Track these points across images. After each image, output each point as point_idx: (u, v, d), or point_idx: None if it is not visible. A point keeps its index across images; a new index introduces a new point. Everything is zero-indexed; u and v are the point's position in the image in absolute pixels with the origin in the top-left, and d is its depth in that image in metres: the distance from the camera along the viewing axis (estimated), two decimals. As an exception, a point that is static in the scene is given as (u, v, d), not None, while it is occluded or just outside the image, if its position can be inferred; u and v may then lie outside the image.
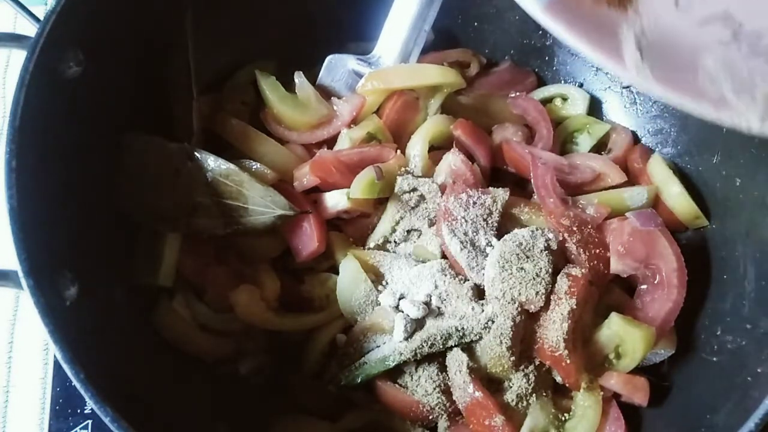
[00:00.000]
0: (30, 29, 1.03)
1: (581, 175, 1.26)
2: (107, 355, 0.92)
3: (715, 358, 1.08)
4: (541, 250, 1.07)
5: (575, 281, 1.06)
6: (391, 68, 1.31)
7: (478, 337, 1.05)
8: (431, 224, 1.17)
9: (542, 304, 1.05)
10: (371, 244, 1.19)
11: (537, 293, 1.04)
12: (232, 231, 1.14)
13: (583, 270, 1.08)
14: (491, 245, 1.10)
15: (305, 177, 1.21)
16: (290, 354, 1.17)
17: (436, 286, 1.10)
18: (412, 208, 1.18)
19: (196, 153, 1.13)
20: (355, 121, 1.28)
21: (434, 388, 1.06)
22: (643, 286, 1.12)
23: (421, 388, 1.06)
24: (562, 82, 1.46)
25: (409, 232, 1.18)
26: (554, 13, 0.67)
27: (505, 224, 1.15)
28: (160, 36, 1.18)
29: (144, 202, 1.12)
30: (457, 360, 1.05)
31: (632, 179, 1.30)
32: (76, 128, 1.01)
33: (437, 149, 1.27)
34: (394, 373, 1.09)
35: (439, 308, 1.09)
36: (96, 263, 1.01)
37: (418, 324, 1.09)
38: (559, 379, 1.07)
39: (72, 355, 0.82)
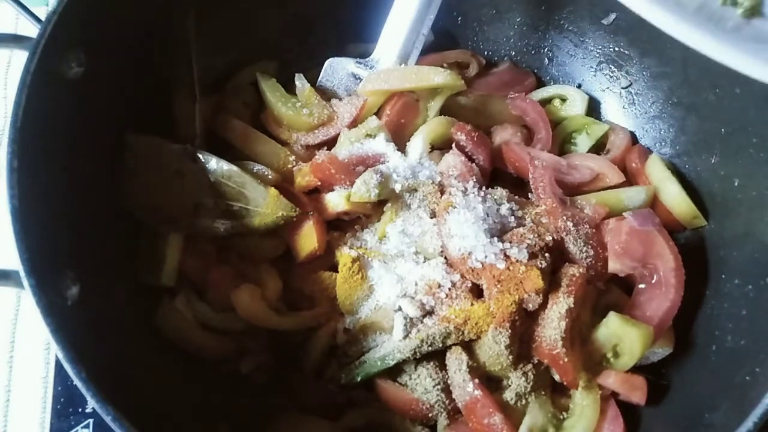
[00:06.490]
0: (31, 30, 1.04)
1: (580, 175, 1.26)
2: (109, 354, 0.92)
3: (713, 358, 1.08)
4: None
5: (573, 280, 1.07)
6: (391, 70, 1.31)
7: (477, 335, 1.06)
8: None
9: (540, 303, 1.05)
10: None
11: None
12: (234, 231, 1.15)
13: (581, 269, 1.09)
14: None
15: (305, 178, 1.21)
16: (291, 353, 1.17)
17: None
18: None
19: (198, 154, 1.14)
20: (355, 123, 1.28)
21: (434, 386, 1.06)
22: (641, 286, 1.12)
23: (420, 386, 1.07)
24: (561, 82, 1.47)
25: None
26: None
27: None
28: (162, 37, 1.18)
29: (146, 203, 1.13)
30: (456, 358, 1.05)
31: (630, 179, 1.30)
32: (78, 129, 1.01)
33: (437, 150, 1.27)
34: (394, 371, 1.10)
35: (438, 307, 1.09)
36: (97, 263, 1.01)
37: (417, 323, 1.09)
38: (557, 377, 1.07)
39: (73, 354, 0.82)
